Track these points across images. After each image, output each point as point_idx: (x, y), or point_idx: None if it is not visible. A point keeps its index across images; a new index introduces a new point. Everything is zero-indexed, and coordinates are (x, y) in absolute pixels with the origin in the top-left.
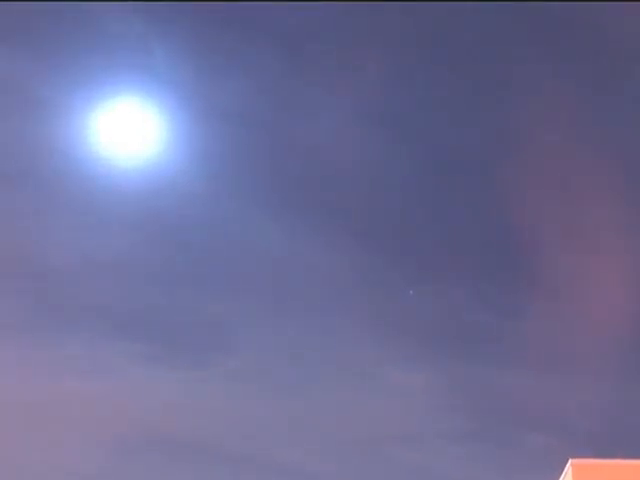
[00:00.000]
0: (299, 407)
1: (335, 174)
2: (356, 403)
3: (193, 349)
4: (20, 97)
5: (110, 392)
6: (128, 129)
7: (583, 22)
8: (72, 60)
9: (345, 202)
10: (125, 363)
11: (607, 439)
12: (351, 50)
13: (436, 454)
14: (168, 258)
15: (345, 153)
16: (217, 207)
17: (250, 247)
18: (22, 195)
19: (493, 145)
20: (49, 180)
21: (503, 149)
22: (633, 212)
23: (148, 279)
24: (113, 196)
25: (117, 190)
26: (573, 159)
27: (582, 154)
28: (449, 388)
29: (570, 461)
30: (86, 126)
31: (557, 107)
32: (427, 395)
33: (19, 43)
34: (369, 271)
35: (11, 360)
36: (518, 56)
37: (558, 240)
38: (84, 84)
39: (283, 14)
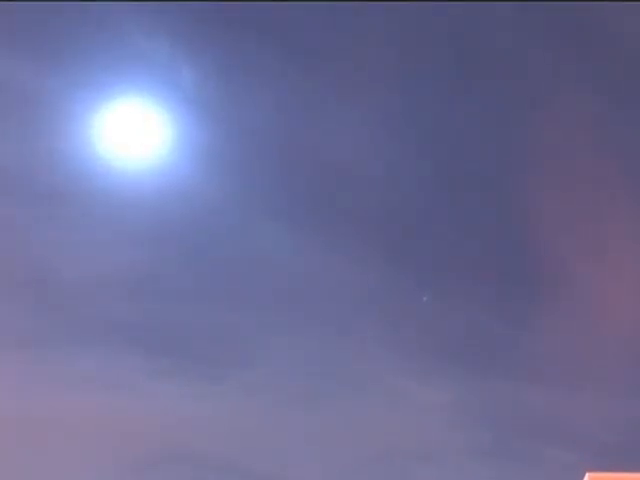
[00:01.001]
0: (316, 422)
1: (355, 189)
2: (374, 418)
3: (209, 363)
4: (39, 113)
5: (125, 408)
6: (145, 143)
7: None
8: (83, 65)
9: (364, 216)
10: (140, 378)
11: (624, 452)
12: (368, 64)
13: (455, 470)
14: (183, 272)
15: (366, 168)
16: (233, 220)
17: (266, 260)
18: (37, 209)
19: (512, 158)
20: (65, 194)
21: (521, 162)
22: None
23: (163, 294)
24: (128, 210)
25: (132, 204)
26: (592, 171)
27: (601, 167)
28: (468, 403)
29: (587, 475)
30: (100, 140)
31: (577, 121)
32: (445, 410)
33: (34, 48)
34: (388, 285)
35: (25, 376)
36: (540, 70)
37: (578, 253)
38: (93, 90)
39: (303, 26)
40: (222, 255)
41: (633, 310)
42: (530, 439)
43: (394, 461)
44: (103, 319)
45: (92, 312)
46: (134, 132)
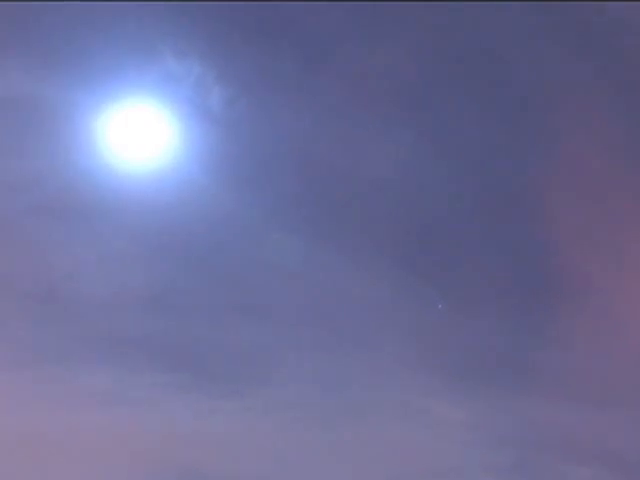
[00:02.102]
0: (337, 440)
1: (378, 203)
2: (397, 436)
3: (227, 380)
4: (55, 126)
5: (141, 424)
6: (165, 159)
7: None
8: (108, 81)
9: (387, 231)
10: (157, 394)
11: None
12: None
13: None
14: (201, 288)
15: (389, 182)
16: (252, 236)
17: (286, 276)
18: (52, 225)
19: (534, 170)
20: (81, 210)
21: (544, 175)
22: None
23: (180, 309)
24: (145, 226)
25: (149, 220)
26: (619, 185)
27: (630, 181)
28: (493, 420)
29: None
30: (120, 156)
31: (605, 135)
32: (470, 428)
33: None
34: (407, 301)
35: (41, 392)
36: (575, 85)
37: (605, 267)
38: (112, 104)
39: (328, 39)
40: (240, 271)
41: None
42: (550, 457)
43: (411, 479)
44: (120, 335)
45: (109, 328)
46: (154, 148)
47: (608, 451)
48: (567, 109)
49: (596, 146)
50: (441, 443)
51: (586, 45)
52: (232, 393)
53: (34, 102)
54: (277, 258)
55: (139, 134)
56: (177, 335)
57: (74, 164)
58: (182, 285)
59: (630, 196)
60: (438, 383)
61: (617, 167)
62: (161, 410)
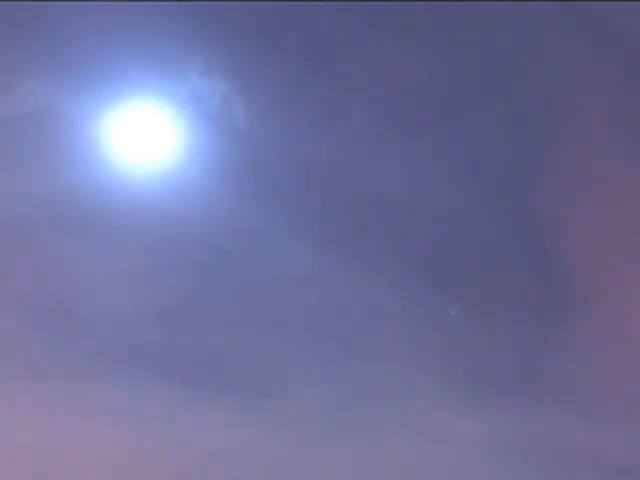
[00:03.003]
0: (354, 455)
1: (399, 219)
2: (415, 450)
3: (243, 394)
4: (68, 140)
5: (157, 439)
6: (183, 174)
7: None
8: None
9: (406, 246)
10: (173, 409)
11: None
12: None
13: None
14: (216, 302)
15: (409, 197)
16: (271, 250)
17: (303, 290)
18: (71, 240)
19: (545, 189)
20: (95, 225)
21: (554, 194)
22: None
23: (196, 323)
24: (161, 241)
25: (165, 235)
26: (635, 198)
27: None
28: (506, 434)
29: None
30: (140, 172)
31: (628, 148)
32: (482, 441)
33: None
34: (428, 317)
35: (56, 407)
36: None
37: (628, 281)
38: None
39: (355, 57)
40: (257, 284)
41: None
42: (569, 471)
43: None
44: (135, 349)
45: (124, 342)
46: (174, 162)
47: (628, 466)
48: (591, 126)
49: (619, 161)
50: (457, 457)
51: (614, 59)
52: (248, 407)
53: (51, 115)
54: (293, 271)
55: (155, 145)
56: (192, 349)
57: (90, 178)
58: (198, 299)
59: None
60: (456, 396)
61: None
62: (176, 425)
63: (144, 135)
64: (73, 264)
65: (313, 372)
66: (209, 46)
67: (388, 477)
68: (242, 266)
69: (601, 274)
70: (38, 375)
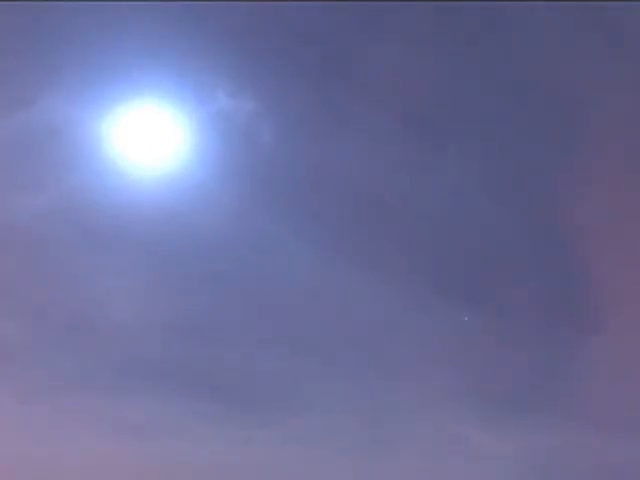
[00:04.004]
0: (372, 472)
1: (419, 232)
2: (433, 466)
3: (260, 409)
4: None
5: (172, 454)
6: (199, 188)
7: None
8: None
9: (430, 260)
10: (190, 424)
11: None
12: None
13: None
14: (233, 317)
15: (430, 211)
16: (290, 264)
17: (321, 304)
18: (85, 254)
19: (569, 203)
20: (113, 240)
21: (579, 207)
22: None
23: (212, 338)
24: (177, 256)
25: (181, 250)
26: None
27: None
28: (532, 453)
29: None
30: (149, 182)
31: None
32: (509, 460)
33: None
34: (447, 332)
35: (73, 421)
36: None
37: None
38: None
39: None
40: (275, 300)
41: None
42: None
43: None
44: (152, 364)
45: (139, 358)
46: (190, 176)
47: None
48: (610, 132)
49: None
50: (477, 472)
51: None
52: (265, 423)
53: (71, 130)
54: (309, 285)
55: (174, 160)
56: (210, 365)
57: (108, 193)
58: (216, 315)
59: None
60: (474, 412)
61: None
62: (193, 440)
63: (165, 151)
64: (86, 279)
65: (330, 387)
66: (234, 63)
67: None
68: (263, 282)
69: (622, 289)
70: (52, 390)
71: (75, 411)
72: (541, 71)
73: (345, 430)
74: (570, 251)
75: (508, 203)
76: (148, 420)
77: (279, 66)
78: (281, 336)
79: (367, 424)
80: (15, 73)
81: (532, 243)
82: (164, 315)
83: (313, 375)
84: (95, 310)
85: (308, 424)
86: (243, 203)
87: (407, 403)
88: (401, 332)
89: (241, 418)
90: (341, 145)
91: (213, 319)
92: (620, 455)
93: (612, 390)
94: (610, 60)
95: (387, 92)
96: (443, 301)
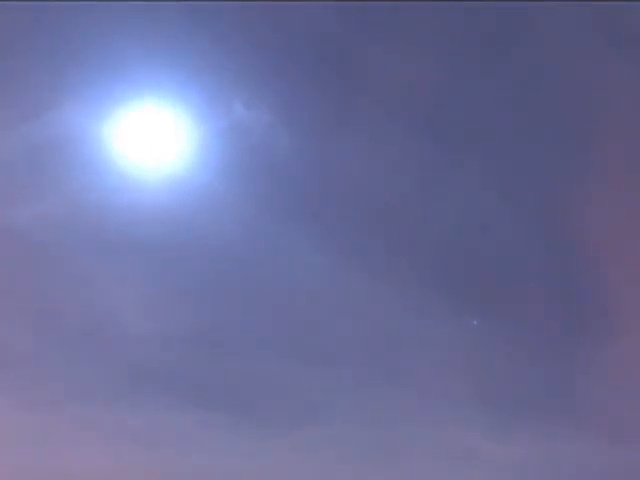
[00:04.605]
0: (383, 479)
1: (435, 242)
2: (446, 476)
3: (272, 418)
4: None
5: (182, 464)
6: (211, 199)
7: None
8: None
9: (444, 268)
10: (201, 433)
11: None
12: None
13: None
14: (239, 326)
15: (447, 219)
16: (306, 276)
17: (332, 312)
18: (99, 262)
19: (577, 195)
20: (128, 249)
21: (585, 201)
22: None
23: (226, 347)
24: (190, 265)
25: (194, 258)
26: None
27: None
28: (543, 461)
29: None
30: (162, 191)
31: None
32: (519, 468)
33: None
34: (460, 340)
35: (83, 431)
36: None
37: None
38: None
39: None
40: (282, 309)
41: None
42: None
43: None
44: (163, 374)
45: (153, 367)
46: (214, 195)
47: None
48: (621, 135)
49: None
50: None
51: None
52: (271, 432)
53: (80, 138)
54: (321, 295)
55: (186, 168)
56: (215, 374)
57: (118, 199)
58: (226, 322)
59: None
60: (488, 422)
61: None
62: (205, 449)
63: (177, 159)
64: (94, 287)
65: (339, 397)
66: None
67: None
68: (275, 289)
69: (637, 297)
70: (61, 399)
71: (83, 420)
72: (550, 69)
73: (350, 439)
74: (586, 257)
75: (518, 204)
76: (153, 430)
77: (294, 80)
78: (287, 345)
79: (373, 433)
80: (24, 81)
81: (545, 248)
82: (169, 324)
83: (318, 384)
84: (100, 319)
85: (313, 433)
86: (258, 213)
87: (413, 411)
88: (408, 339)
89: (246, 428)
90: (348, 146)
91: (218, 328)
92: (632, 464)
93: (624, 399)
94: (626, 61)
95: (405, 103)
96: (451, 306)
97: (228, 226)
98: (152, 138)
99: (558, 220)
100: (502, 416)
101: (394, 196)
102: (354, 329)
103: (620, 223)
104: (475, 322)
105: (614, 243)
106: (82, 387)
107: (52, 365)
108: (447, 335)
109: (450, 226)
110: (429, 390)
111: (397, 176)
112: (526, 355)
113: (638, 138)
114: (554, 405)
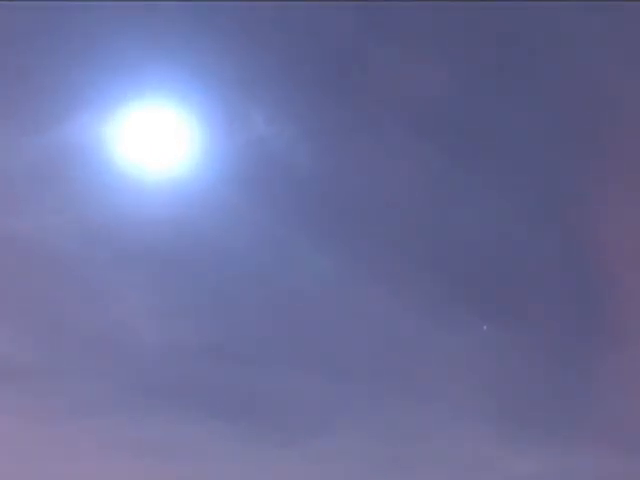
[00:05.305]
0: None
1: (453, 255)
2: None
3: (284, 428)
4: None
5: (198, 474)
6: (225, 211)
7: None
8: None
9: (461, 279)
10: (214, 444)
11: None
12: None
13: None
14: (252, 335)
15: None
16: (323, 287)
17: (344, 324)
18: (111, 276)
19: (591, 197)
20: (141, 260)
21: (600, 204)
22: None
23: (231, 357)
24: (204, 275)
25: (209, 270)
26: None
27: None
28: (557, 473)
29: None
30: (175, 203)
31: None
32: (536, 478)
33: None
34: (475, 352)
35: (97, 442)
36: None
37: None
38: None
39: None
40: (301, 321)
41: None
42: None
43: None
44: (175, 384)
45: (163, 379)
46: (227, 206)
47: None
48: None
49: None
50: None
51: None
52: (285, 442)
53: (99, 150)
54: (333, 304)
55: (200, 181)
56: (229, 384)
57: (136, 212)
58: (238, 334)
59: None
60: (504, 432)
61: None
62: (213, 459)
63: (193, 173)
64: (106, 298)
65: (353, 407)
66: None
67: None
68: (287, 303)
69: None
70: (76, 411)
71: (98, 432)
72: (573, 78)
73: (365, 450)
74: (601, 268)
75: (532, 213)
76: (167, 440)
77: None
78: (300, 356)
79: (387, 443)
80: (45, 90)
81: (562, 257)
82: (183, 334)
83: (332, 394)
84: (118, 329)
85: (328, 443)
86: (276, 226)
87: (427, 423)
88: (423, 352)
89: (261, 437)
90: (363, 155)
91: (236, 340)
92: None
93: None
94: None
95: (422, 115)
96: (464, 317)
97: (244, 237)
98: (170, 150)
99: (574, 229)
100: (514, 427)
101: (410, 206)
102: (369, 341)
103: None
104: (485, 327)
105: (635, 253)
106: (96, 399)
107: (64, 377)
108: (462, 348)
109: (466, 237)
110: (446, 404)
111: (412, 186)
112: (541, 367)
113: None
114: (570, 417)
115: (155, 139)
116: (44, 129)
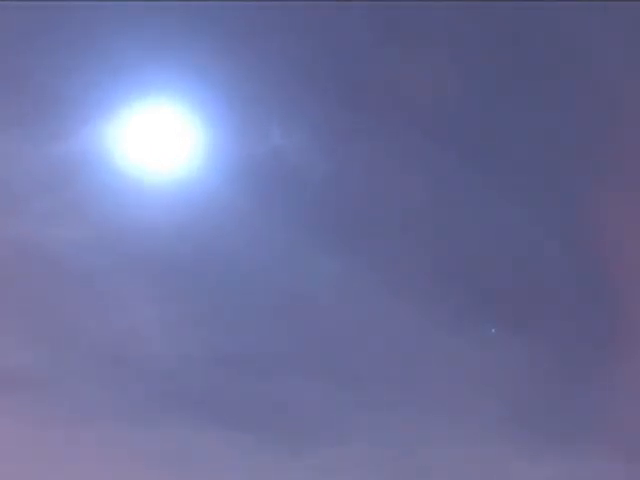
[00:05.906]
0: None
1: (465, 265)
2: None
3: (292, 439)
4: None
5: None
6: (237, 221)
7: None
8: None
9: (470, 294)
10: (222, 453)
11: None
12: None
13: None
14: (263, 345)
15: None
16: (333, 298)
17: (355, 333)
18: (116, 282)
19: (605, 204)
20: (147, 269)
21: (612, 210)
22: None
23: (245, 367)
24: (211, 286)
25: (215, 281)
26: None
27: None
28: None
29: None
30: (184, 211)
31: None
32: None
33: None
34: (487, 359)
35: (105, 451)
36: None
37: None
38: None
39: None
40: (308, 328)
41: None
42: None
43: None
44: (184, 393)
45: (172, 389)
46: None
47: None
48: None
49: None
50: None
51: None
52: (297, 452)
53: (111, 159)
54: (345, 312)
55: (212, 190)
56: (241, 394)
57: (141, 219)
58: (246, 342)
59: None
60: (518, 441)
61: None
62: (224, 470)
63: (199, 177)
64: (116, 307)
65: (363, 417)
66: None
67: None
68: (296, 314)
69: None
70: (84, 419)
71: (105, 441)
72: (581, 82)
73: (379, 459)
74: (614, 273)
75: (539, 216)
76: (178, 450)
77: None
78: (308, 364)
79: (401, 453)
80: (46, 92)
81: (569, 261)
82: (193, 344)
83: (345, 405)
84: (127, 339)
85: (341, 454)
86: (289, 236)
87: (441, 432)
88: (436, 359)
89: (273, 448)
90: (369, 158)
91: (244, 349)
92: None
93: None
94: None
95: (436, 124)
96: (475, 323)
97: (253, 243)
98: (175, 154)
99: (582, 232)
100: (530, 436)
101: (420, 210)
102: (382, 351)
103: None
104: (493, 330)
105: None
106: (107, 406)
107: (76, 385)
108: (473, 354)
109: (472, 241)
110: (459, 412)
111: (422, 190)
112: (556, 374)
113: None
114: (584, 425)
115: (161, 144)
116: (45, 134)
